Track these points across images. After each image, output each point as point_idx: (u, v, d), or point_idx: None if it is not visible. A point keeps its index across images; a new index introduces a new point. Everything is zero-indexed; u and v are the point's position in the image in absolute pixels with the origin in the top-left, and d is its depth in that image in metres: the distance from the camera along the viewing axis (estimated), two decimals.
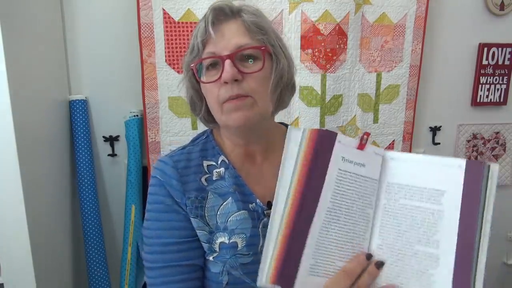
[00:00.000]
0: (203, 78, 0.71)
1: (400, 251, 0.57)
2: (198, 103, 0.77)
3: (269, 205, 0.75)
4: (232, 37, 0.69)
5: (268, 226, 0.58)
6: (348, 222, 0.58)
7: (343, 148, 0.59)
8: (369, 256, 0.58)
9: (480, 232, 0.54)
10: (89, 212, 1.54)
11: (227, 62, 0.67)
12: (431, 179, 0.57)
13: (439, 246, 0.55)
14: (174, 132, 1.58)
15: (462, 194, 0.55)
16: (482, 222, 0.54)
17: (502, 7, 1.80)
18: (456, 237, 0.54)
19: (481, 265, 0.53)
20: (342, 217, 0.58)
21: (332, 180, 0.58)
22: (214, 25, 0.69)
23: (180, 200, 0.72)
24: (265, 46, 0.70)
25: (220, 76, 0.67)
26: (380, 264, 0.58)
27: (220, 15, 0.70)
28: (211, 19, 0.69)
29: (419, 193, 0.57)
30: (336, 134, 0.59)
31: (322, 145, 0.58)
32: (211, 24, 0.68)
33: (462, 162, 0.56)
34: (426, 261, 0.55)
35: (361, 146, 0.60)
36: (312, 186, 0.57)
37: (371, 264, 0.58)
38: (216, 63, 0.69)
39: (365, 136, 0.60)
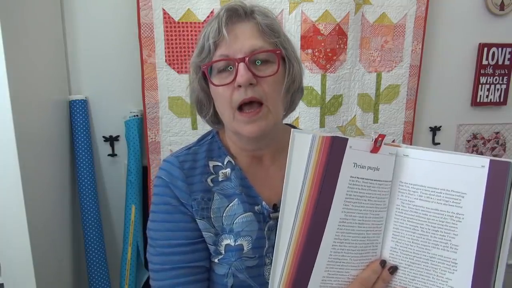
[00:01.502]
0: (215, 81, 0.69)
1: (415, 255, 0.55)
2: (206, 105, 0.75)
3: (275, 208, 0.74)
4: (246, 39, 0.67)
5: (276, 237, 0.56)
6: (362, 230, 0.56)
7: (355, 153, 0.55)
8: (383, 263, 0.57)
9: (502, 235, 0.50)
10: (89, 212, 1.54)
11: (242, 66, 0.65)
12: (450, 180, 0.53)
13: (457, 250, 0.52)
14: (174, 132, 1.58)
15: (485, 196, 0.51)
16: (504, 225, 0.50)
17: (502, 7, 1.80)
18: (476, 241, 0.51)
19: (501, 269, 0.50)
20: (356, 227, 0.56)
21: (343, 189, 0.54)
22: (227, 26, 0.67)
23: (186, 201, 0.71)
24: (279, 50, 0.69)
25: (234, 79, 0.65)
26: (393, 269, 0.56)
27: (233, 16, 0.68)
28: (225, 20, 0.67)
29: (436, 195, 0.53)
30: (347, 139, 0.54)
31: (334, 153, 0.54)
32: (225, 25, 0.66)
33: (485, 161, 0.51)
34: (443, 265, 0.53)
35: (375, 150, 0.56)
36: (323, 197, 0.54)
37: (385, 269, 0.57)
38: (228, 65, 0.67)
39: (379, 139, 0.56)
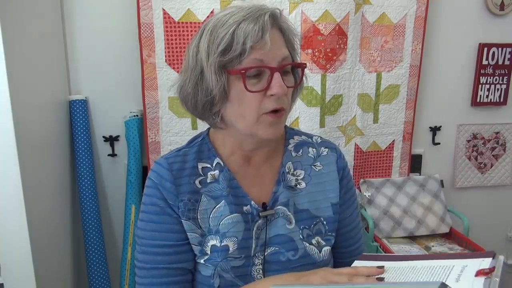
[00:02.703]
0: (248, 87, 0.66)
1: None
2: (218, 106, 0.70)
3: (264, 206, 0.75)
4: (279, 47, 0.67)
5: None
6: None
7: None
8: (381, 267, 0.58)
9: None
10: (89, 212, 1.54)
11: (278, 75, 0.65)
12: None
13: None
14: (174, 132, 1.58)
15: None
16: None
17: (502, 7, 1.80)
18: None
19: None
20: None
21: None
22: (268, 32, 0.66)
23: (173, 202, 0.73)
24: (305, 64, 0.72)
25: (268, 87, 0.65)
26: (380, 279, 0.56)
27: (274, 22, 0.68)
28: (269, 25, 0.65)
29: None
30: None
31: None
32: (268, 30, 0.65)
33: None
34: None
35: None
36: None
37: (374, 277, 0.57)
38: (259, 72, 0.66)
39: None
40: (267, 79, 0.66)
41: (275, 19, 0.68)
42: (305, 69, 0.75)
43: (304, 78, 0.75)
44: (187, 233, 0.73)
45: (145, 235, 0.73)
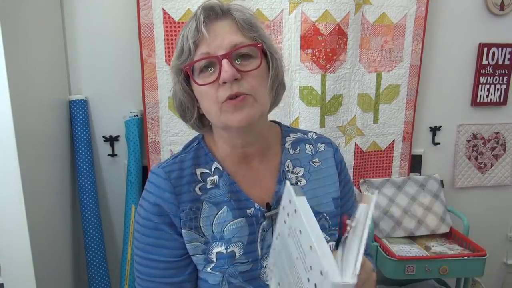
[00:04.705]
0: (198, 81, 0.68)
1: None
2: (190, 108, 0.74)
3: (268, 207, 0.74)
4: (225, 35, 0.67)
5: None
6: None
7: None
8: None
9: None
10: (89, 212, 1.54)
11: (225, 62, 0.64)
12: None
13: None
14: (174, 132, 1.58)
15: None
16: None
17: (502, 7, 1.80)
18: None
19: None
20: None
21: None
22: (206, 25, 0.67)
23: (174, 213, 0.71)
24: (261, 43, 0.69)
25: (218, 76, 0.65)
26: None
27: (211, 14, 0.68)
28: (202, 18, 0.67)
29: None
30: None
31: None
32: (203, 24, 0.66)
33: None
34: None
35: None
36: None
37: None
38: (210, 64, 0.67)
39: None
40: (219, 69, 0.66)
41: (213, 10, 0.68)
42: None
43: (273, 59, 0.72)
44: (188, 244, 0.72)
45: (140, 247, 0.73)
